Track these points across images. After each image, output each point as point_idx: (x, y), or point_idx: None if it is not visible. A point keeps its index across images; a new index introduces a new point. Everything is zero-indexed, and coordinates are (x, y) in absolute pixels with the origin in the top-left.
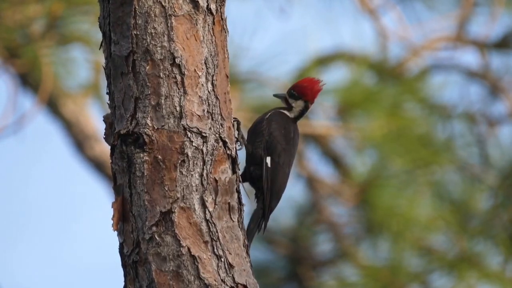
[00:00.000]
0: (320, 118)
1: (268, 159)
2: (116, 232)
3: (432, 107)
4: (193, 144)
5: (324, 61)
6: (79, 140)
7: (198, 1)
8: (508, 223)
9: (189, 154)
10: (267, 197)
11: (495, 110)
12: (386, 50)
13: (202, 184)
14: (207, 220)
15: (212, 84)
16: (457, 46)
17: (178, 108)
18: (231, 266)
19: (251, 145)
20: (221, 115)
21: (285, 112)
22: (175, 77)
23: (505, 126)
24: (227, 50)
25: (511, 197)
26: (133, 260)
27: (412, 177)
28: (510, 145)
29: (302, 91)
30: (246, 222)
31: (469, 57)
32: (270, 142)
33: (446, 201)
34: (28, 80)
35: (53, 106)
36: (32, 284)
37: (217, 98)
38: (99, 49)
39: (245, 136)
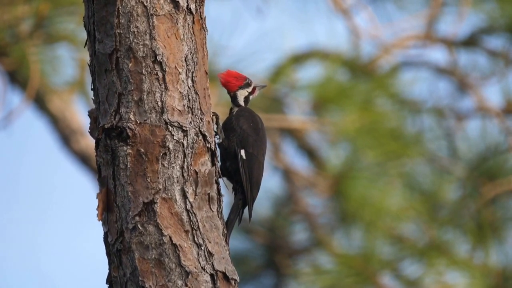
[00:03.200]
0: (296, 113)
1: (243, 152)
2: (100, 222)
3: (402, 102)
4: (174, 138)
5: (299, 58)
6: (65, 135)
7: (178, 1)
8: (476, 213)
9: (170, 147)
10: (248, 187)
11: (463, 105)
12: (358, 48)
13: (183, 176)
14: (187, 210)
15: (192, 80)
16: (426, 44)
17: (159, 103)
18: (210, 254)
19: (226, 140)
20: (201, 109)
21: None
22: (157, 74)
23: (472, 120)
24: (206, 48)
25: (478, 188)
26: (117, 249)
27: (384, 169)
28: (477, 138)
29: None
30: (225, 212)
31: (438, 55)
32: (241, 135)
33: (416, 192)
34: (17, 78)
35: (40, 102)
36: (15, 275)
37: (197, 93)
38: (84, 47)
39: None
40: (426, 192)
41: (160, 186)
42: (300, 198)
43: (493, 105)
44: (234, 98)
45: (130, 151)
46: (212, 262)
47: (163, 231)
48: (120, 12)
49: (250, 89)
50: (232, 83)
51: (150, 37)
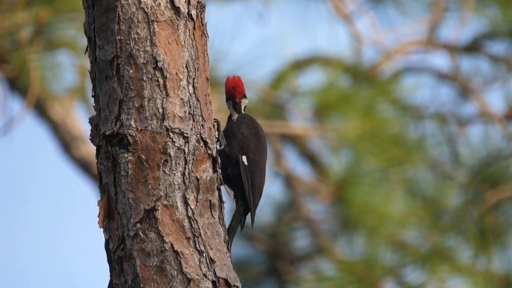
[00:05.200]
0: (297, 119)
1: (244, 158)
2: (102, 229)
3: (404, 108)
4: (175, 144)
5: (301, 64)
6: (66, 141)
7: (179, 7)
8: (478, 219)
9: (172, 154)
10: (250, 193)
11: (465, 111)
12: (360, 54)
13: (184, 183)
14: (189, 217)
15: (193, 86)
16: (428, 50)
17: (160, 110)
18: (212, 261)
19: (227, 147)
20: (202, 116)
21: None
22: (158, 80)
23: (474, 125)
24: (207, 54)
25: (480, 193)
26: (118, 256)
27: (386, 175)
28: (479, 144)
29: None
30: (227, 219)
31: (440, 60)
32: (243, 141)
33: (418, 198)
34: (17, 84)
35: (41, 109)
36: (14, 282)
37: (198, 100)
38: (85, 53)
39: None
40: (429, 198)
41: (161, 193)
42: (302, 204)
43: (495, 110)
44: (237, 105)
45: (131, 158)
46: (213, 269)
47: (164, 238)
48: (121, 18)
49: (247, 100)
50: (241, 88)
51: (150, 43)
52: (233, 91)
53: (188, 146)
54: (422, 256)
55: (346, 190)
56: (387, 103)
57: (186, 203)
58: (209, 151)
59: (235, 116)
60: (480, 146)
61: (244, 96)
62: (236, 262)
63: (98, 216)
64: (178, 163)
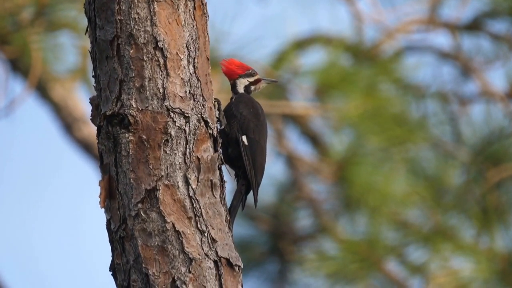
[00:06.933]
0: (299, 99)
1: (244, 138)
2: (103, 209)
3: (406, 87)
4: (176, 124)
5: (302, 44)
6: (67, 123)
7: None
8: (480, 198)
9: (173, 133)
10: (252, 172)
11: (467, 90)
12: (361, 33)
13: (185, 163)
14: (190, 197)
15: (194, 66)
16: (430, 29)
17: (161, 90)
18: (214, 240)
19: (227, 126)
20: (203, 96)
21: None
22: (158, 60)
23: (476, 104)
24: (207, 34)
25: (482, 172)
26: (120, 236)
27: (388, 154)
28: (481, 123)
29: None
30: (228, 199)
31: (441, 39)
32: (242, 121)
33: (420, 177)
34: (18, 66)
35: (42, 90)
36: (20, 263)
37: (198, 80)
38: (85, 34)
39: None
40: (431, 177)
41: (163, 173)
42: (304, 184)
43: (497, 89)
44: (233, 86)
45: (132, 138)
46: (215, 249)
47: (166, 218)
48: None
49: (252, 79)
50: (233, 71)
51: (151, 23)
52: (227, 74)
53: (189, 126)
54: (425, 235)
55: (348, 170)
56: (388, 82)
57: (187, 182)
58: (210, 131)
59: (234, 97)
60: (482, 125)
61: (242, 76)
62: (239, 242)
63: (99, 196)
64: (179, 142)
